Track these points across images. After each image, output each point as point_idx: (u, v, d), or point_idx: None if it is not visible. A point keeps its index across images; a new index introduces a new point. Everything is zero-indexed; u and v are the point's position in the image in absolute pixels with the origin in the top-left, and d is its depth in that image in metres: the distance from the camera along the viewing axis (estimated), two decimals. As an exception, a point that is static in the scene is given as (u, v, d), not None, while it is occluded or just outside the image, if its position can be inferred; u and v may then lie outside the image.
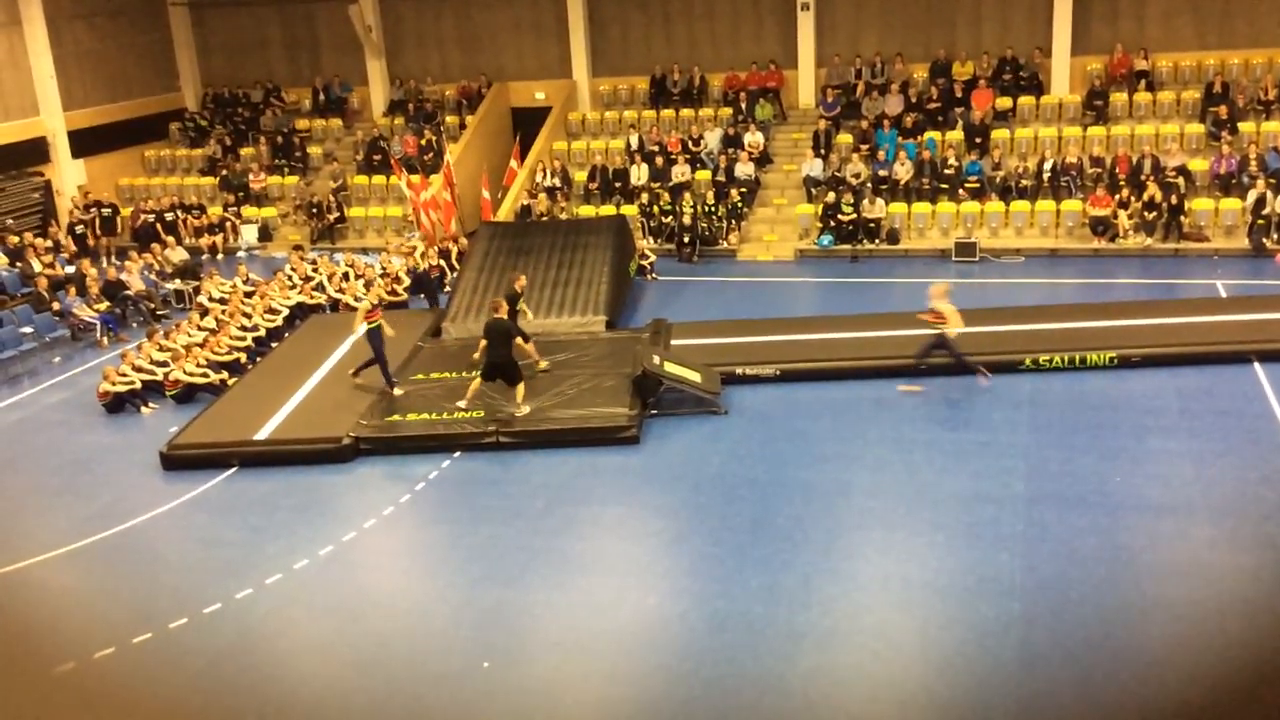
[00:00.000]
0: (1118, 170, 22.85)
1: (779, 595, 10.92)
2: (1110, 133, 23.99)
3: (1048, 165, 23.24)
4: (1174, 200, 21.77)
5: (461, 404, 15.36)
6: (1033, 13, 25.36)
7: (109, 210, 26.31)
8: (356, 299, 20.86)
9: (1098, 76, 24.78)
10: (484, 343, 15.41)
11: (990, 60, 25.58)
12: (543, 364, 16.64)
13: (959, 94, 25.20)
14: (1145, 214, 21.93)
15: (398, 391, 16.16)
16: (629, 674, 9.99)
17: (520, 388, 15.27)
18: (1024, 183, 23.23)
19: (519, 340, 15.64)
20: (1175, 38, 24.73)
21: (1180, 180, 22.28)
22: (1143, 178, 22.46)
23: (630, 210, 24.53)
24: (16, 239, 23.51)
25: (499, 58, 29.03)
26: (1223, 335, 16.52)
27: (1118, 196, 22.20)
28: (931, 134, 24.76)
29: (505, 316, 15.58)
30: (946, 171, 23.77)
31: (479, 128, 27.53)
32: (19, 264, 22.73)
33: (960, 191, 23.46)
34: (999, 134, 24.51)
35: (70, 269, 22.85)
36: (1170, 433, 13.94)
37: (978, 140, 24.23)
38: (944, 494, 12.72)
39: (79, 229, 25.45)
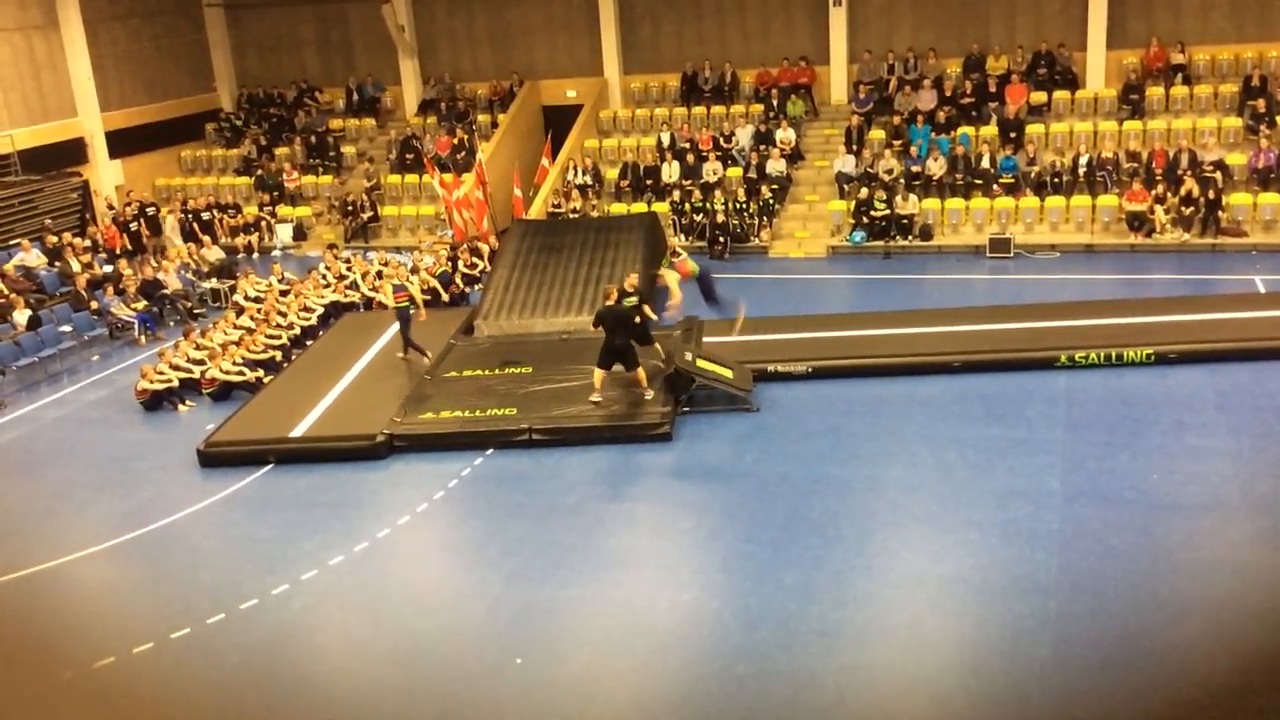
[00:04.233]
0: (1154, 165, 22.61)
1: (812, 592, 10.89)
2: (1146, 127, 23.74)
3: (1083, 160, 23.04)
4: (1211, 195, 21.54)
5: (596, 398, 15.17)
6: (1067, 6, 25.14)
7: (152, 210, 26.59)
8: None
9: (1133, 70, 24.52)
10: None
11: (1024, 54, 25.39)
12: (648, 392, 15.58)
13: (993, 89, 25.01)
14: (1182, 209, 21.70)
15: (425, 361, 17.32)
16: (662, 671, 10.00)
17: (641, 371, 15.23)
18: (1059, 178, 23.04)
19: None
20: (1212, 30, 24.44)
21: (1218, 175, 22.03)
22: (1180, 172, 22.23)
23: (662, 208, 24.52)
24: (55, 239, 23.79)
25: (531, 56, 29.10)
26: (1262, 331, 16.33)
27: (1154, 191, 21.99)
28: (965, 129, 24.60)
29: (616, 303, 15.30)
30: (981, 167, 23.62)
31: (511, 126, 27.61)
32: (58, 263, 23.01)
33: (994, 187, 23.29)
34: (1033, 129, 24.32)
35: (108, 268, 23.10)
36: (1209, 430, 13.79)
37: (1012, 135, 24.06)
38: (979, 491, 12.64)
39: (133, 226, 25.68)
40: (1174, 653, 9.64)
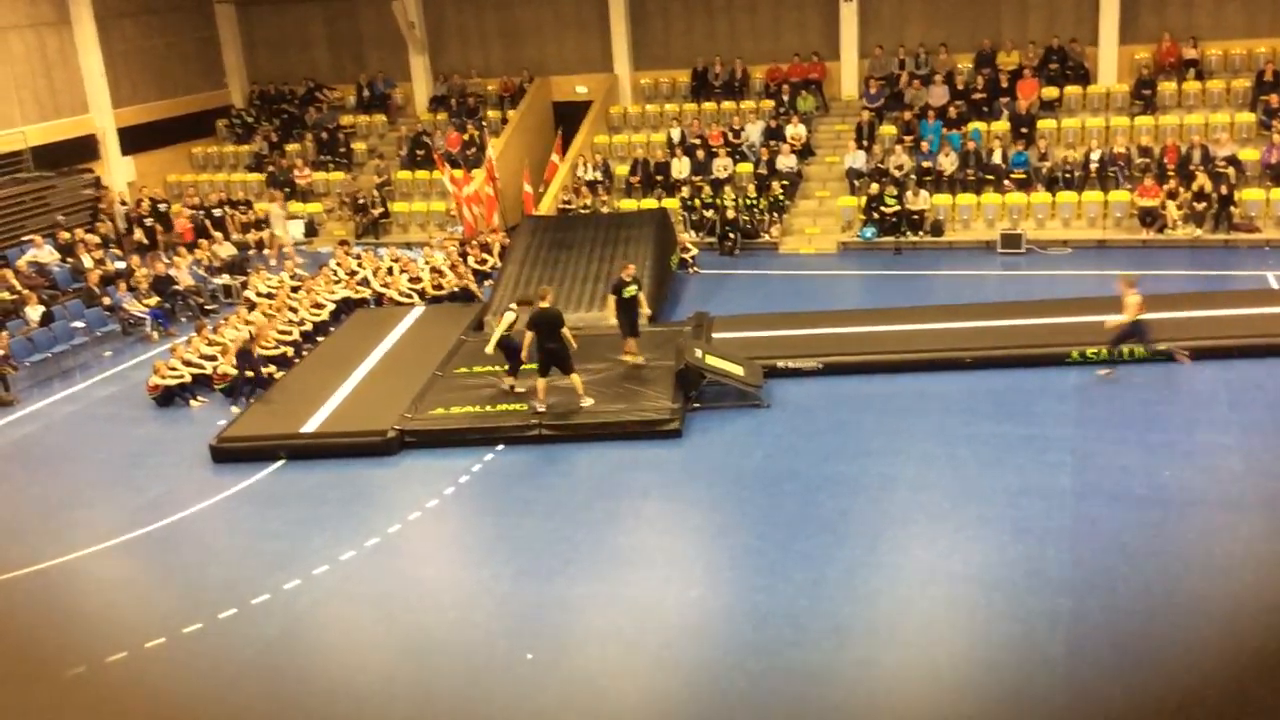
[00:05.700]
0: (1166, 160, 22.52)
1: (823, 589, 10.89)
2: (1158, 122, 23.64)
3: (1095, 155, 22.96)
4: (1224, 190, 21.44)
5: (539, 406, 15.12)
6: (1079, 1, 25.03)
7: (164, 206, 26.67)
8: (401, 293, 21.06)
9: (1145, 65, 24.42)
10: (530, 335, 15.05)
11: (1036, 50, 25.30)
12: (638, 359, 16.41)
13: (1004, 84, 24.95)
14: (1194, 204, 21.62)
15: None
16: (672, 667, 10.00)
17: (577, 378, 15.17)
18: (1071, 173, 22.96)
19: (565, 331, 15.14)
20: (1225, 25, 24.32)
21: (1230, 170, 21.93)
22: (1192, 168, 22.14)
23: (672, 204, 24.50)
24: (68, 235, 23.87)
25: (541, 52, 29.09)
26: (1274, 327, 16.24)
27: (1166, 187, 21.91)
28: (976, 125, 24.53)
29: (550, 304, 15.20)
30: (992, 162, 23.55)
31: (521, 122, 27.60)
32: (70, 259, 23.09)
33: (1006, 182, 23.23)
34: (1045, 124, 24.22)
35: (120, 264, 23.18)
36: (1221, 426, 13.74)
37: (1023, 131, 23.98)
38: (990, 488, 12.62)
39: (148, 222, 25.79)
40: (1187, 650, 9.62)
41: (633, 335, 16.46)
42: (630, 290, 16.15)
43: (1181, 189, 21.85)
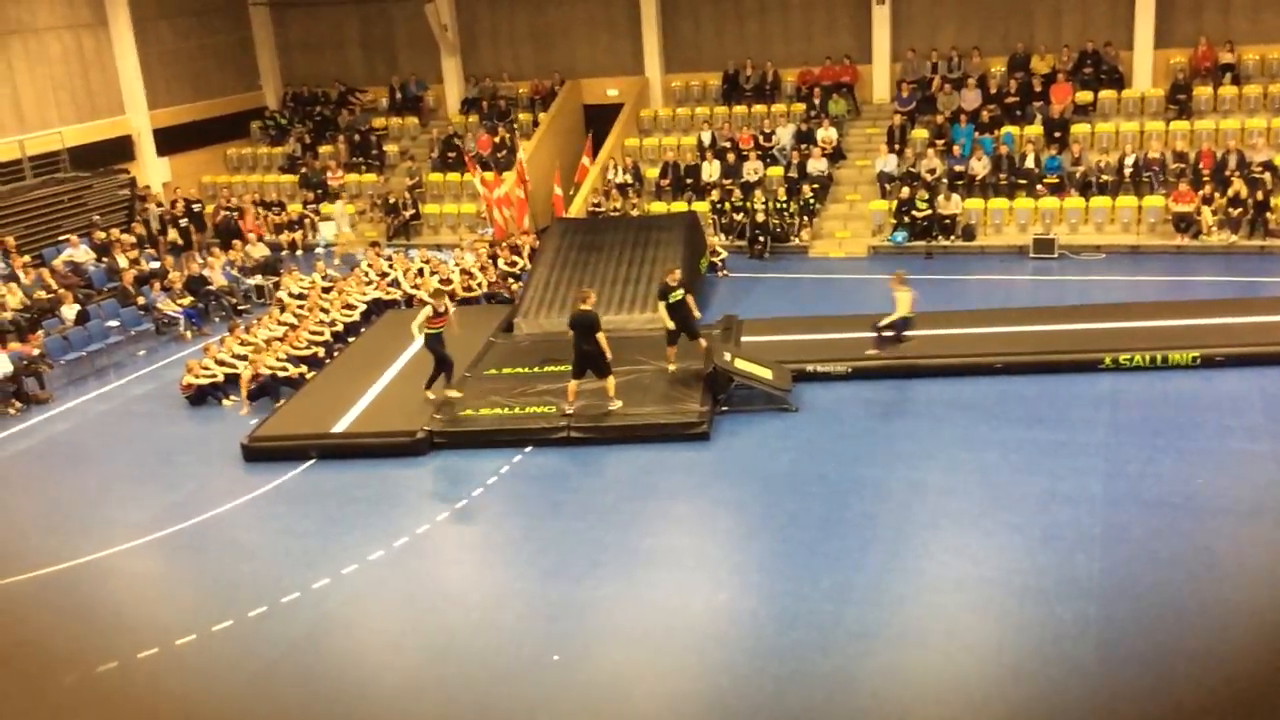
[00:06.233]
0: (1201, 166, 22.31)
1: (849, 594, 10.86)
2: (1194, 127, 23.42)
3: (1129, 160, 22.77)
4: (1260, 196, 21.23)
5: (568, 409, 15.18)
6: (1114, 5, 24.84)
7: (198, 206, 26.92)
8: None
9: (1181, 70, 24.21)
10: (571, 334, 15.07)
11: (1070, 53, 25.13)
12: (672, 365, 16.34)
13: (1038, 88, 24.78)
14: (1230, 210, 21.40)
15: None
16: (698, 670, 10.00)
17: (611, 381, 15.17)
18: (1105, 178, 22.80)
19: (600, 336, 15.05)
20: (1263, 29, 24.06)
21: (1266, 176, 21.70)
22: (1227, 173, 21.92)
23: (702, 207, 24.50)
24: (103, 235, 24.13)
25: (572, 55, 29.17)
26: (1311, 335, 16.08)
27: (1201, 192, 21.70)
28: (1009, 129, 24.38)
29: (590, 308, 15.11)
30: (1025, 167, 23.40)
31: (552, 125, 27.68)
32: (105, 259, 23.34)
33: (1039, 187, 23.07)
34: (1079, 129, 24.05)
35: (155, 264, 23.41)
36: (1255, 434, 13.59)
37: (1057, 135, 23.82)
38: (1020, 494, 12.54)
39: (182, 222, 26.04)
40: (1217, 659, 9.53)
41: (694, 339, 16.23)
42: (676, 295, 16.00)
43: (1217, 195, 21.65)
